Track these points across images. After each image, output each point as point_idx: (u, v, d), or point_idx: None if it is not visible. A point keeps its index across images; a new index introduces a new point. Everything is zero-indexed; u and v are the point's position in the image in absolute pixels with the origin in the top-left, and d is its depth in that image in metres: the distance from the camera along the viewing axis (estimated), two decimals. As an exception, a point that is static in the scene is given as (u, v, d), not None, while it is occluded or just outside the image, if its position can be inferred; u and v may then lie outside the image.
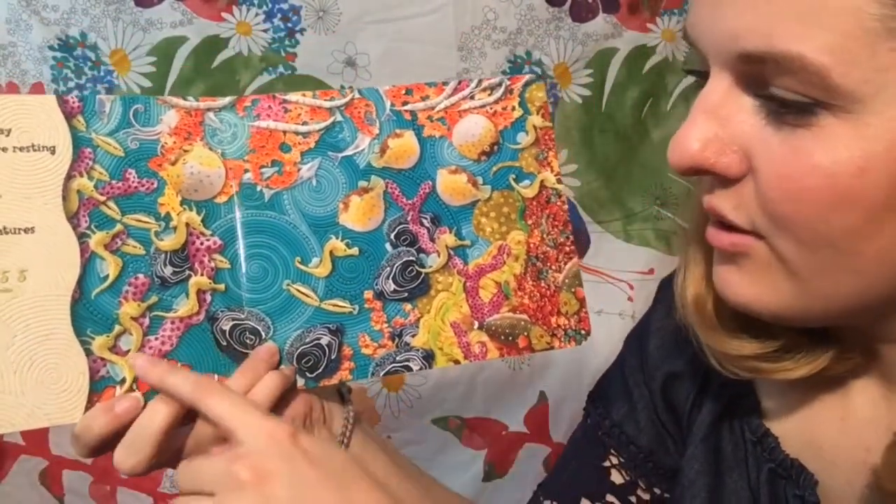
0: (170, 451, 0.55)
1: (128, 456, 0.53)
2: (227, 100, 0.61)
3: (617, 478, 0.74)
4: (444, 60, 1.21)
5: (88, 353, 0.55)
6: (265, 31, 1.16)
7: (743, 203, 0.49)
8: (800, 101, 0.44)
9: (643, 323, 0.78)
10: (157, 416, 0.54)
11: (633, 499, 0.74)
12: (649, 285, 1.25)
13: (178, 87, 1.16)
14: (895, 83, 0.42)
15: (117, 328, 0.56)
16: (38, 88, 1.11)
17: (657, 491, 0.74)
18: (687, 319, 0.61)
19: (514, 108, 0.65)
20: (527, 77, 0.66)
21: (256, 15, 1.16)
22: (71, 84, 1.12)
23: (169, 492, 1.22)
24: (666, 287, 0.76)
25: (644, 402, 0.74)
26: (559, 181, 0.65)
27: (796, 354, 0.57)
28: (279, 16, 1.16)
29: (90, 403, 0.55)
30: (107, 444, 0.55)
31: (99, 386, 0.56)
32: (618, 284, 1.29)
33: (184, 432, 0.56)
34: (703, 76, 0.51)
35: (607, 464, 0.75)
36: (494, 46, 1.22)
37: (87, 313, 0.56)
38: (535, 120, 0.65)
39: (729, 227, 0.51)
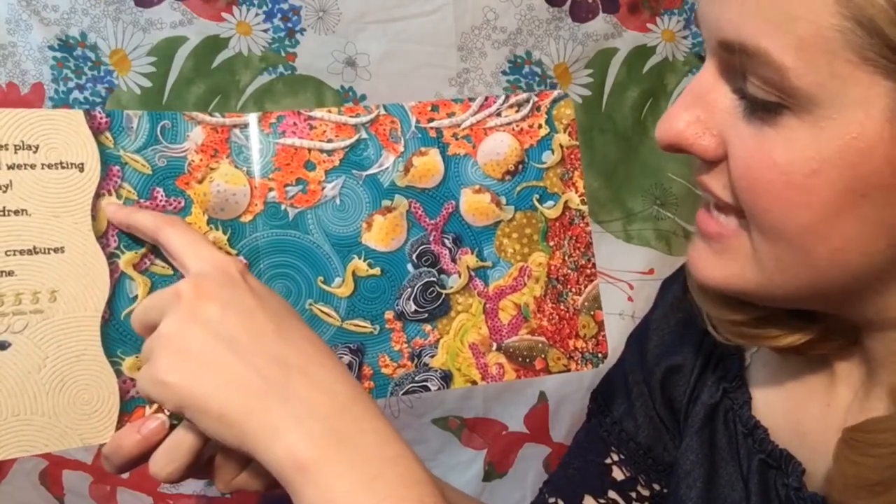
0: (203, 461, 0.55)
1: (165, 464, 0.53)
2: (252, 116, 0.60)
3: (618, 474, 0.76)
4: (444, 60, 1.20)
5: (118, 373, 0.56)
6: (265, 31, 1.16)
7: (728, 184, 0.52)
8: (766, 100, 0.47)
9: (644, 322, 0.79)
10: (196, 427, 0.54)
11: (633, 495, 0.75)
12: (649, 285, 1.26)
13: (178, 88, 1.15)
14: (850, 92, 0.44)
15: None
16: (37, 88, 1.10)
17: (656, 487, 0.75)
18: (690, 288, 0.64)
19: (540, 126, 0.64)
20: (555, 93, 0.65)
21: (256, 15, 1.15)
22: (71, 84, 1.11)
23: (169, 492, 1.22)
24: (667, 287, 0.78)
25: (643, 400, 0.76)
26: (583, 202, 0.65)
27: (781, 324, 0.60)
28: (279, 16, 1.15)
29: (120, 423, 0.56)
30: (136, 463, 0.55)
31: (129, 406, 0.56)
32: (618, 284, 1.29)
33: (217, 444, 0.56)
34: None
35: (609, 461, 0.76)
36: (494, 46, 1.21)
37: (117, 334, 0.56)
38: (562, 138, 0.64)
39: (720, 207, 0.54)
